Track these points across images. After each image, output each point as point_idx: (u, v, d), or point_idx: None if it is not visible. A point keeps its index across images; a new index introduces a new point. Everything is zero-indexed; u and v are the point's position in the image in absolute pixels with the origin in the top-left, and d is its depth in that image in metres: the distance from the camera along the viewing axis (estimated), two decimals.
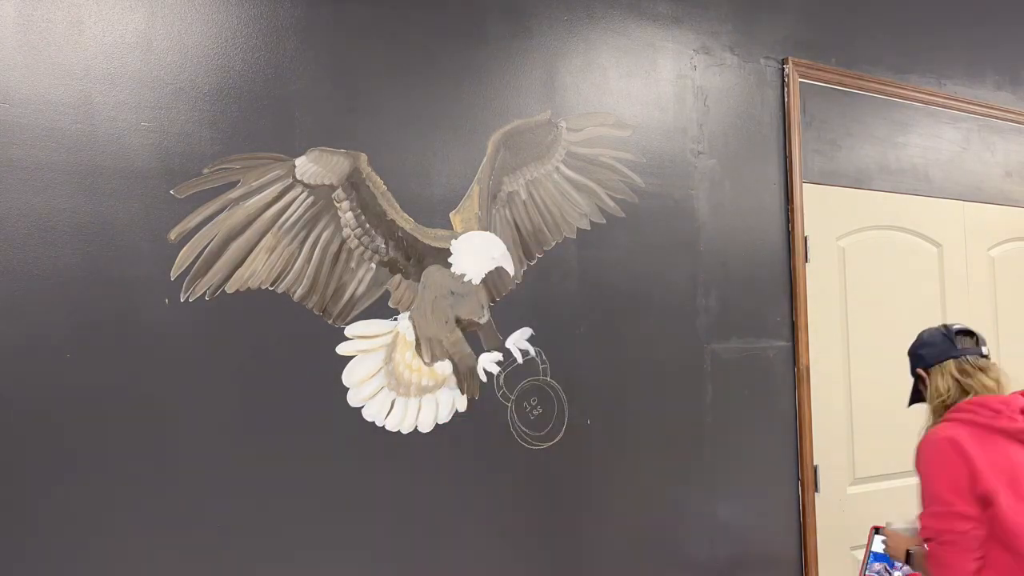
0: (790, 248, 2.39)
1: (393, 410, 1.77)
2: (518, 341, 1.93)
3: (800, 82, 2.43)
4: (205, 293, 1.59)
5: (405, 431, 1.79)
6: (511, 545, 1.90)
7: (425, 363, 1.82)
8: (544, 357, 1.96)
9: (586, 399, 2.00)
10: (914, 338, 1.80)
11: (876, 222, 2.59)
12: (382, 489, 1.75)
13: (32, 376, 1.44)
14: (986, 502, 1.53)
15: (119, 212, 1.52)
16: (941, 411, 1.68)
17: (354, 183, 1.74)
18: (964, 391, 1.67)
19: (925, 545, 1.63)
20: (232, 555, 1.60)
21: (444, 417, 1.83)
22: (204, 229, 1.58)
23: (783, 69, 2.40)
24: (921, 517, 1.60)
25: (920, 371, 1.75)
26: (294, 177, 1.68)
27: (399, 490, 1.77)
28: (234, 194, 1.62)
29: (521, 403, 1.93)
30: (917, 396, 1.81)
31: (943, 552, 1.54)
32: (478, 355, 1.89)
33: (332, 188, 1.72)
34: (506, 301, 1.92)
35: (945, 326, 1.78)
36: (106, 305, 1.50)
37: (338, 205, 1.73)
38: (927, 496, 1.59)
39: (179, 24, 1.59)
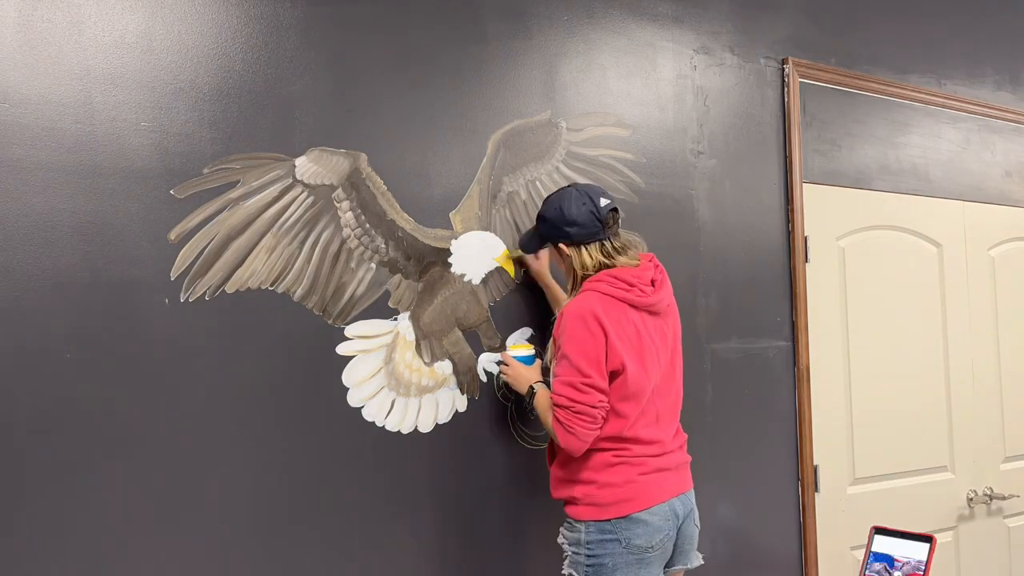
0: (790, 248, 2.39)
1: (393, 410, 1.78)
2: (518, 341, 1.93)
3: (800, 82, 2.43)
4: (205, 293, 1.59)
5: (405, 431, 1.79)
6: (511, 544, 1.90)
7: (425, 363, 1.82)
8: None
9: None
10: (571, 209, 1.71)
11: (876, 222, 2.59)
12: (382, 489, 1.75)
13: (32, 376, 1.44)
14: (615, 374, 1.65)
15: (119, 212, 1.52)
16: (581, 280, 1.73)
17: (354, 183, 1.74)
18: (606, 266, 1.72)
19: (549, 393, 1.70)
20: (231, 555, 1.60)
21: (444, 417, 1.84)
22: (204, 229, 1.58)
23: (783, 69, 2.40)
24: (556, 385, 1.65)
25: (562, 245, 1.74)
26: (294, 177, 1.68)
27: (399, 490, 1.77)
28: (234, 194, 1.62)
29: (521, 403, 1.93)
30: (536, 245, 1.82)
31: (574, 421, 1.62)
32: (478, 355, 1.89)
33: (332, 188, 1.72)
34: (506, 301, 1.92)
35: (594, 203, 1.73)
36: (106, 305, 1.50)
37: (338, 205, 1.73)
38: (567, 366, 1.64)
39: (179, 24, 1.59)
